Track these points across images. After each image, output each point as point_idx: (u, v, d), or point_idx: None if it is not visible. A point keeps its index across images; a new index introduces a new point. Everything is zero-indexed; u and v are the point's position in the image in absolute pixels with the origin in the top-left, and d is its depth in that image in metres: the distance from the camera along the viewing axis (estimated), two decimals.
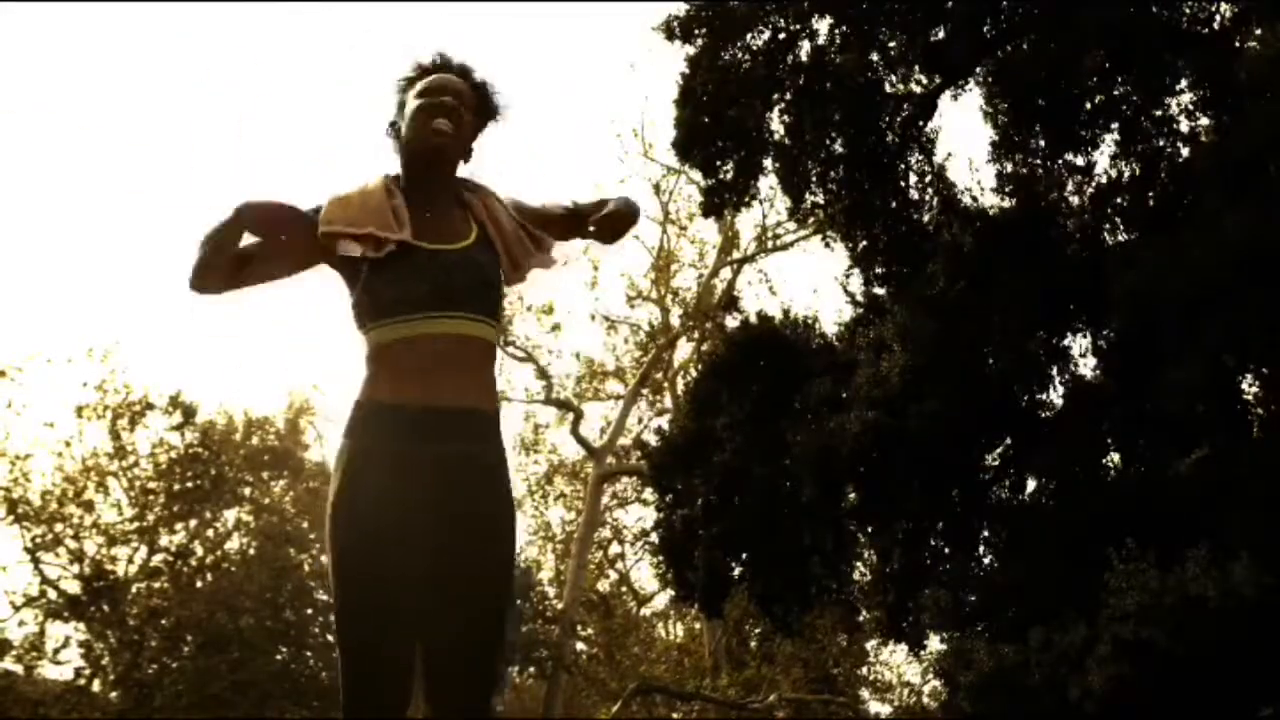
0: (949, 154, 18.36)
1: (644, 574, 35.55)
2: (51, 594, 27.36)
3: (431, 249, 3.61)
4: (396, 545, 3.42)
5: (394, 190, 3.70)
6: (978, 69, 17.51)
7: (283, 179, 56.06)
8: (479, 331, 3.58)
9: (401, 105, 3.87)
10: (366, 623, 3.43)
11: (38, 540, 27.48)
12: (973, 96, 17.74)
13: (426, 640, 3.46)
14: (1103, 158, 17.41)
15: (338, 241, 3.57)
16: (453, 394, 3.52)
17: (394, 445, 3.51)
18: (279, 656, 28.06)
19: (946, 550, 17.87)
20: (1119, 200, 17.38)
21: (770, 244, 30.80)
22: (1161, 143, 17.12)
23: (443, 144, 3.74)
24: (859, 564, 19.58)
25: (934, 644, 18.51)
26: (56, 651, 25.76)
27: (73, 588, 27.20)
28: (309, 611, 29.62)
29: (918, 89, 18.05)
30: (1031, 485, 17.67)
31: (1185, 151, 16.96)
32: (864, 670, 35.53)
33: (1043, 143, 17.46)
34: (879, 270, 18.56)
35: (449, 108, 3.74)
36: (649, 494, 26.57)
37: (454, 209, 3.77)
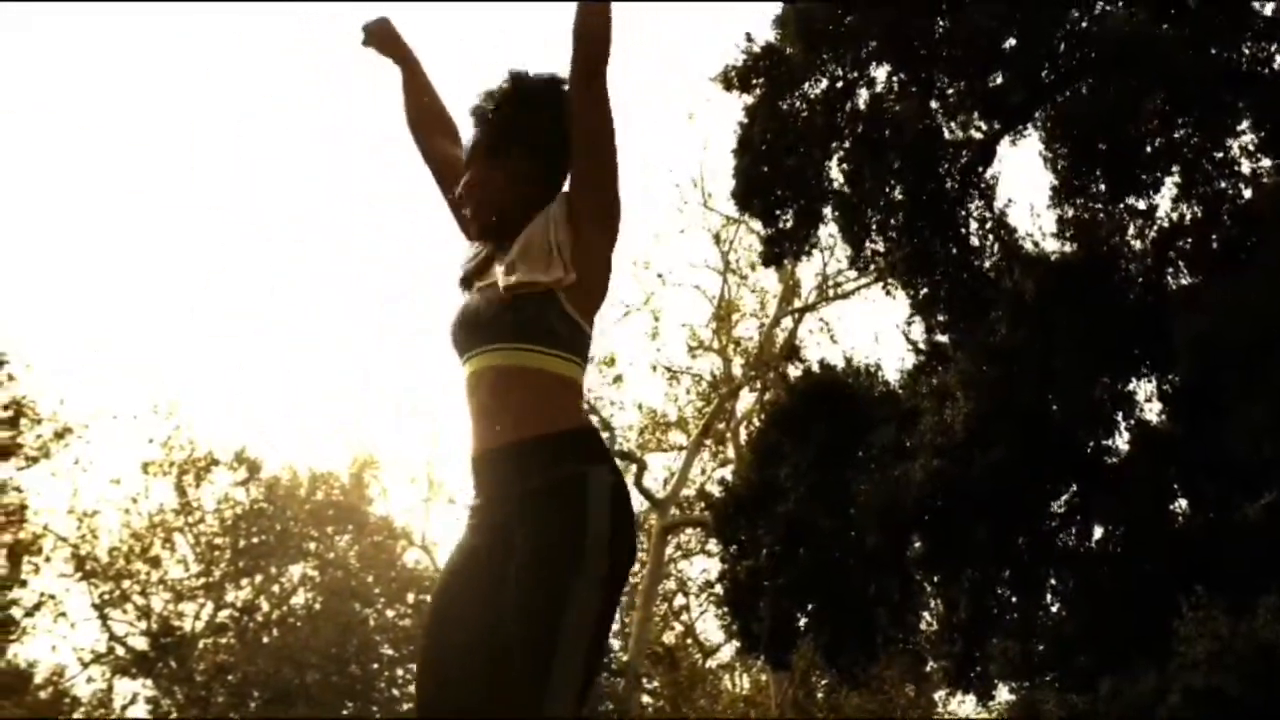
0: (1009, 200, 18.24)
1: (709, 626, 35.33)
2: (119, 650, 27.57)
3: (478, 286, 3.54)
4: None
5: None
6: (1036, 114, 17.44)
7: (282, 178, 56.22)
8: (497, 361, 3.38)
9: None
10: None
11: (105, 597, 27.73)
12: (1032, 141, 17.67)
13: None
14: (1164, 201, 17.26)
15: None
16: (489, 436, 3.37)
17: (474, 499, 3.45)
18: (345, 711, 28.14)
19: (1014, 599, 17.71)
20: (1181, 243, 17.26)
21: (831, 292, 30.81)
22: (1223, 184, 16.99)
23: (482, 224, 3.60)
24: (925, 614, 19.44)
25: (1003, 694, 18.35)
26: (124, 708, 25.99)
27: (140, 644, 27.45)
28: (375, 666, 29.72)
29: (977, 135, 18.00)
30: (1099, 532, 17.50)
31: (1247, 193, 16.83)
32: None
33: (1103, 187, 17.36)
34: (941, 318, 18.48)
35: (466, 192, 3.60)
36: (713, 545, 26.54)
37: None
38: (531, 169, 3.57)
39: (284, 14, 56.85)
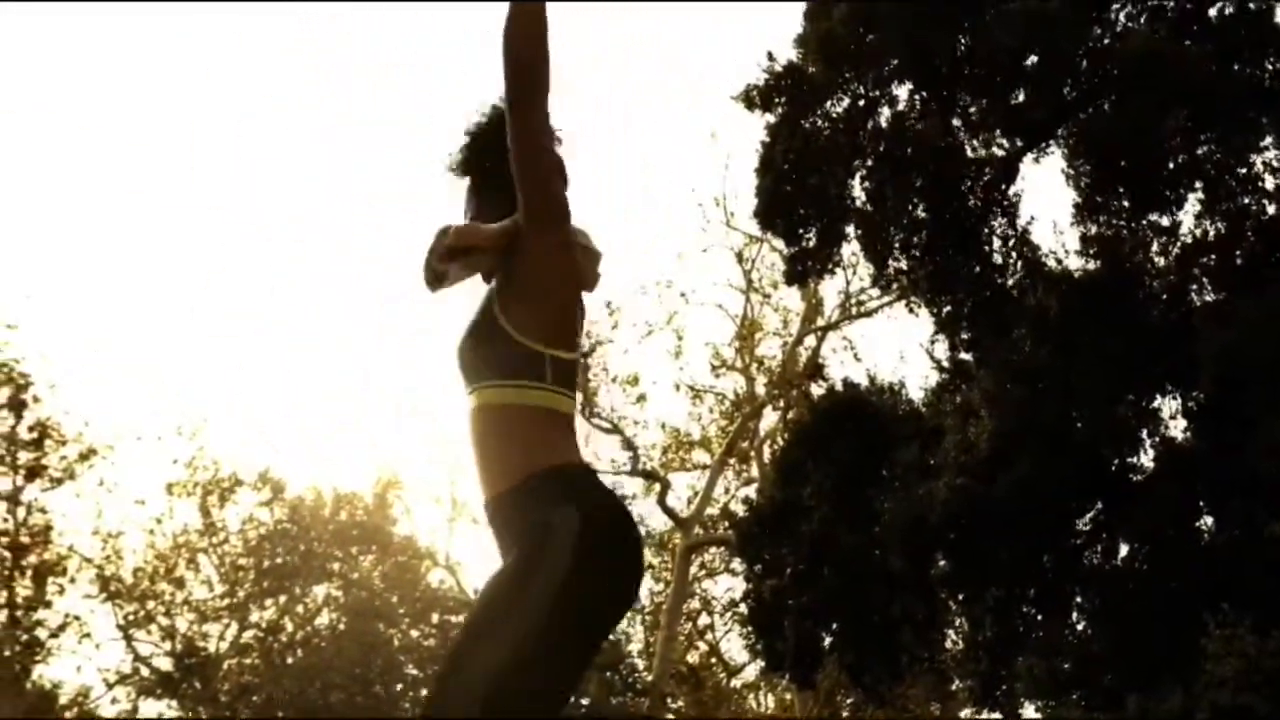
0: (1032, 217, 18.20)
1: (733, 645, 35.26)
2: (144, 671, 27.62)
3: None
4: None
5: None
6: (1059, 131, 17.43)
7: (282, 178, 56.28)
8: (476, 402, 3.44)
9: None
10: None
11: (130, 618, 27.79)
12: (1054, 159, 17.66)
13: None
14: (1187, 217, 17.22)
15: None
16: (483, 485, 3.43)
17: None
18: None
19: (1039, 617, 17.65)
20: (1205, 260, 17.22)
21: (854, 311, 30.75)
22: (1247, 200, 16.96)
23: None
24: (950, 632, 19.39)
25: (1029, 713, 18.27)
26: None
27: (165, 665, 27.48)
28: (399, 687, 29.74)
29: (999, 153, 17.99)
30: (1124, 550, 17.43)
31: (1271, 209, 16.80)
32: None
33: (1126, 203, 17.33)
34: (964, 336, 18.45)
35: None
36: (737, 564, 26.45)
37: None
38: (487, 203, 3.62)
39: (284, 14, 56.92)
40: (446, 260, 3.49)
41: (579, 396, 3.61)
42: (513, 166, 3.38)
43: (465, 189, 3.72)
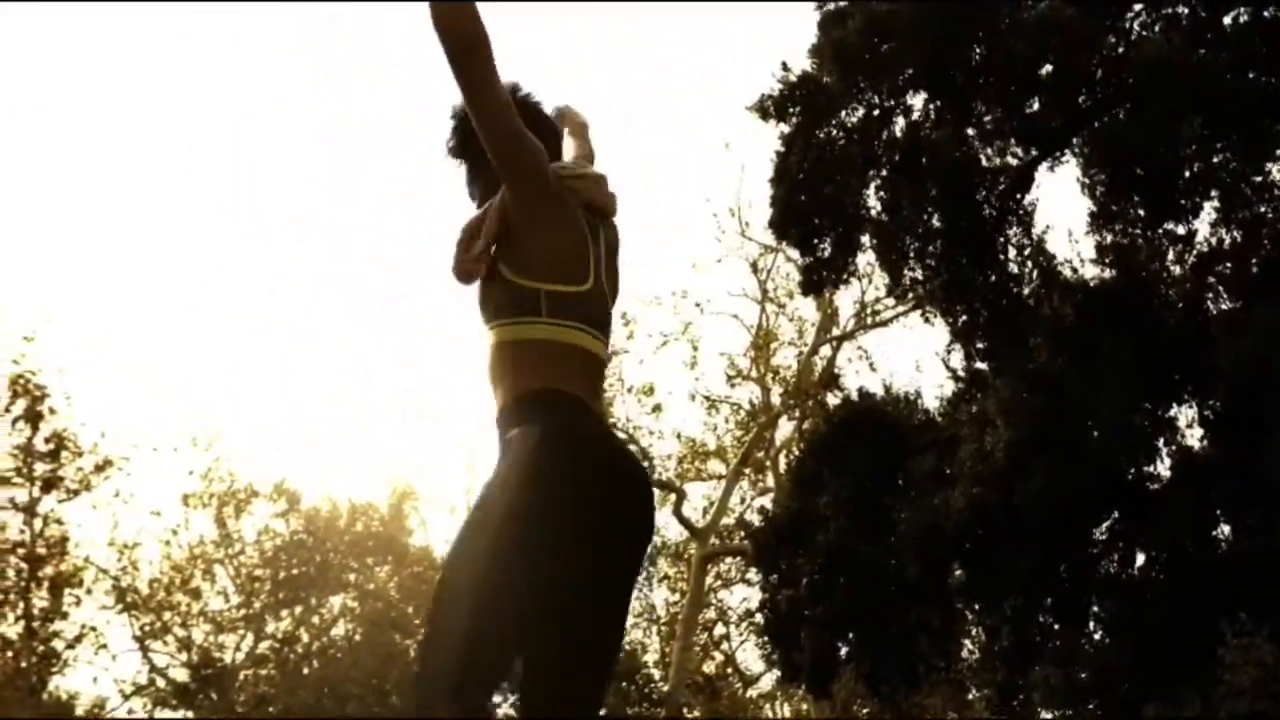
0: (1047, 226, 18.23)
1: (750, 655, 35.22)
2: (160, 682, 27.65)
3: None
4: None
5: None
6: (1074, 140, 17.42)
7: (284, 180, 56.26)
8: (487, 342, 3.59)
9: None
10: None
11: (146, 629, 27.83)
12: (1069, 168, 17.65)
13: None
14: (1203, 226, 17.20)
15: None
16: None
17: None
18: None
19: (1056, 627, 17.63)
20: (1221, 268, 17.20)
21: (870, 320, 30.70)
22: (1263, 209, 16.94)
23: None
24: (967, 642, 19.38)
25: None
26: None
27: (181, 675, 27.50)
28: None
29: (1014, 162, 17.98)
30: (1141, 559, 17.41)
31: None
32: None
33: (1142, 212, 17.31)
34: (980, 345, 18.44)
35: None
36: (753, 574, 26.47)
37: None
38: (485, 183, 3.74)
39: (284, 14, 56.97)
40: (471, 266, 3.61)
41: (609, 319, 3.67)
42: (479, 132, 3.46)
43: (464, 172, 3.86)
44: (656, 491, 30.90)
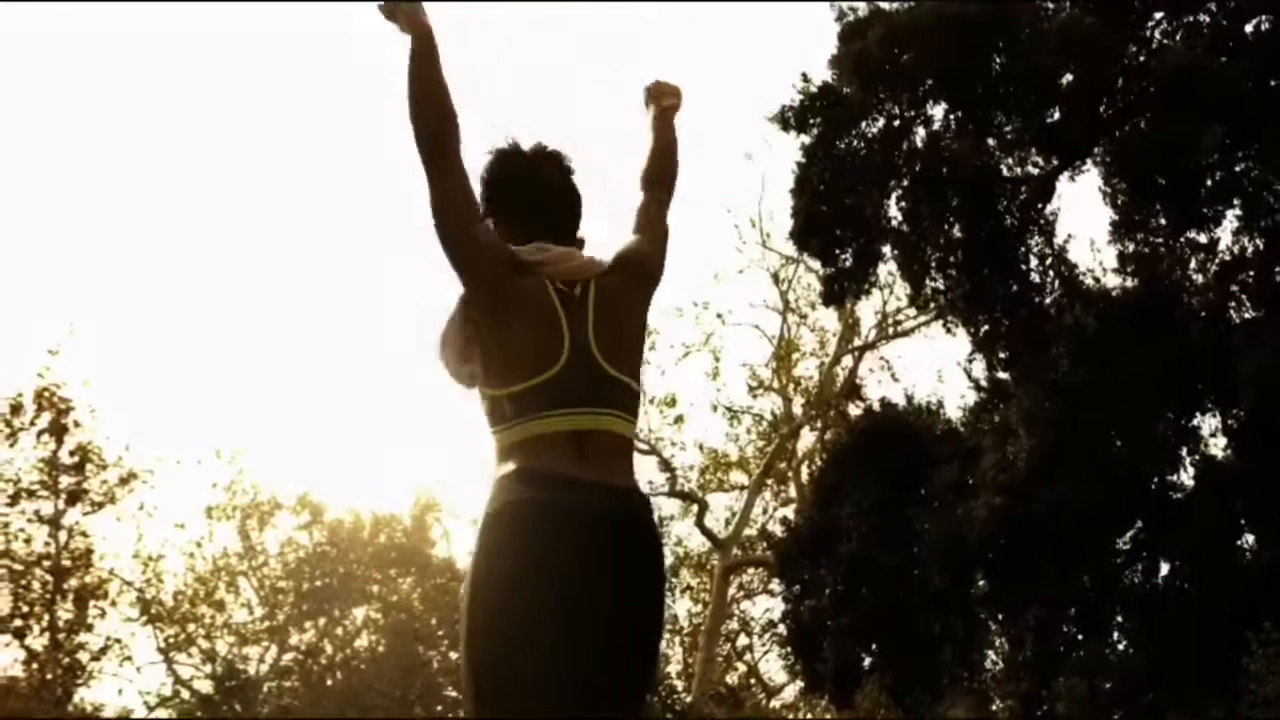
0: (1069, 235, 18.16)
1: (773, 666, 35.10)
2: (185, 694, 27.71)
3: None
4: None
5: None
6: (1095, 149, 17.41)
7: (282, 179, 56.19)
8: None
9: None
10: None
11: (170, 640, 27.90)
12: (1091, 177, 17.65)
13: None
14: (1225, 234, 17.17)
15: None
16: None
17: None
18: None
19: (1080, 637, 17.59)
20: (1243, 277, 17.16)
21: (891, 330, 30.63)
22: None
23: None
24: (990, 652, 19.33)
25: None
26: None
27: (205, 687, 27.55)
28: (439, 709, 29.71)
29: (1035, 171, 17.98)
30: (1165, 569, 17.37)
31: None
32: None
33: (1163, 221, 17.29)
34: (1002, 354, 18.41)
35: None
36: (776, 585, 26.40)
37: None
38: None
39: (284, 14, 56.95)
40: (468, 382, 3.66)
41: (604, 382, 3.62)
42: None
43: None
44: (679, 503, 31.02)
